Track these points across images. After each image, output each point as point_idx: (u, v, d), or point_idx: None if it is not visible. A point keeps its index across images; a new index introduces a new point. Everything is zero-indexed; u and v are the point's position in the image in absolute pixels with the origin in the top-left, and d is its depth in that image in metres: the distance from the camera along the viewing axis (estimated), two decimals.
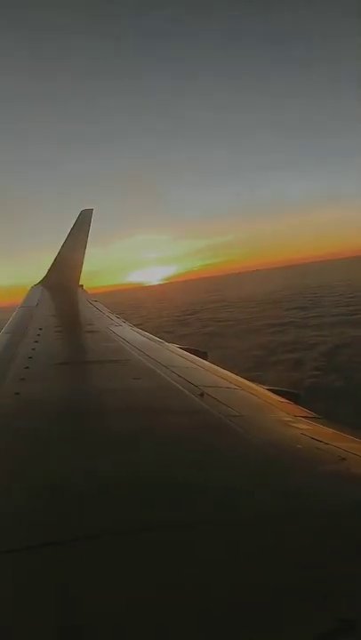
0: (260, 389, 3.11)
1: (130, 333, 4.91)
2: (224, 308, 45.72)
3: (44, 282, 9.79)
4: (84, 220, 10.86)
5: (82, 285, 9.45)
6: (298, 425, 2.20)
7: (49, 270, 10.18)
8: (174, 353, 4.04)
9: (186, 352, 4.20)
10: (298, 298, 43.96)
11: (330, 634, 0.80)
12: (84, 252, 10.18)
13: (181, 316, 44.20)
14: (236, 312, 41.19)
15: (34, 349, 3.61)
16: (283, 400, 2.90)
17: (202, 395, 2.37)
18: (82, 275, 9.79)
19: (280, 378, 17.64)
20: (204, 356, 4.40)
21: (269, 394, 3.03)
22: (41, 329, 4.69)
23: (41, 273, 10.32)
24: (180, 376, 2.81)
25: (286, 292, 49.98)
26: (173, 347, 4.48)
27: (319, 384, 16.77)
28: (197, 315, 43.85)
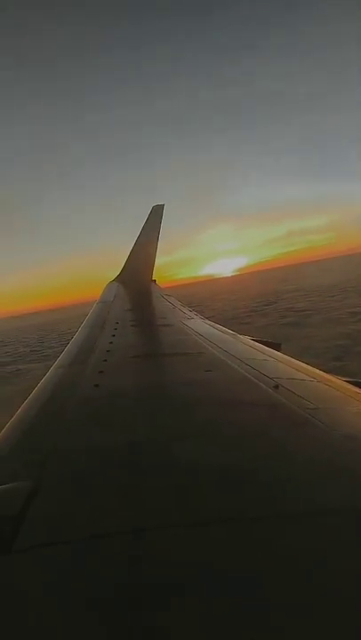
0: (338, 381, 2.94)
1: (202, 326, 4.92)
2: (302, 298, 44.08)
3: (119, 278, 10.18)
4: (155, 216, 11.09)
5: (155, 280, 9.67)
6: None
7: (123, 266, 10.56)
8: (247, 345, 3.97)
9: (259, 344, 4.12)
10: None
11: None
12: (156, 247, 10.39)
13: (258, 307, 43.46)
14: (315, 301, 39.48)
15: (111, 343, 3.75)
16: None
17: (276, 387, 2.30)
18: (155, 269, 10.04)
19: None
20: (277, 347, 4.27)
21: (348, 385, 2.86)
22: (117, 323, 4.89)
23: (116, 269, 10.79)
24: (253, 368, 2.76)
25: None
26: (246, 338, 4.41)
27: None
28: (274, 305, 42.81)
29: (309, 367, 3.23)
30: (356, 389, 2.78)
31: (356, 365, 17.74)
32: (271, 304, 44.07)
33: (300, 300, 42.36)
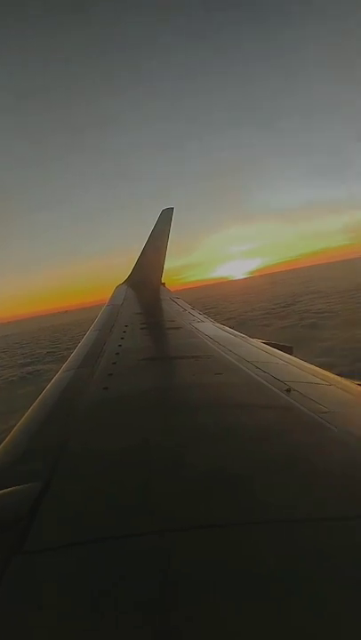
0: (352, 385, 2.88)
1: (212, 329, 4.89)
2: (320, 299, 43.58)
3: (128, 281, 10.27)
4: (165, 219, 11.17)
5: (164, 283, 9.70)
6: None
7: (133, 270, 10.69)
8: (258, 348, 3.92)
9: (270, 347, 4.05)
10: None
11: None
12: (165, 251, 10.45)
13: (276, 309, 43.20)
14: (334, 303, 38.97)
15: (120, 346, 3.74)
16: None
17: (288, 390, 2.26)
18: (165, 272, 10.06)
19: None
20: (289, 350, 4.19)
21: None
22: (127, 326, 4.89)
23: (125, 272, 10.84)
24: (264, 371, 2.72)
25: None
26: (257, 342, 4.35)
27: None
28: (292, 307, 42.49)
29: (322, 370, 3.17)
30: None
31: None
32: (289, 305, 43.78)
33: (318, 302, 41.95)
